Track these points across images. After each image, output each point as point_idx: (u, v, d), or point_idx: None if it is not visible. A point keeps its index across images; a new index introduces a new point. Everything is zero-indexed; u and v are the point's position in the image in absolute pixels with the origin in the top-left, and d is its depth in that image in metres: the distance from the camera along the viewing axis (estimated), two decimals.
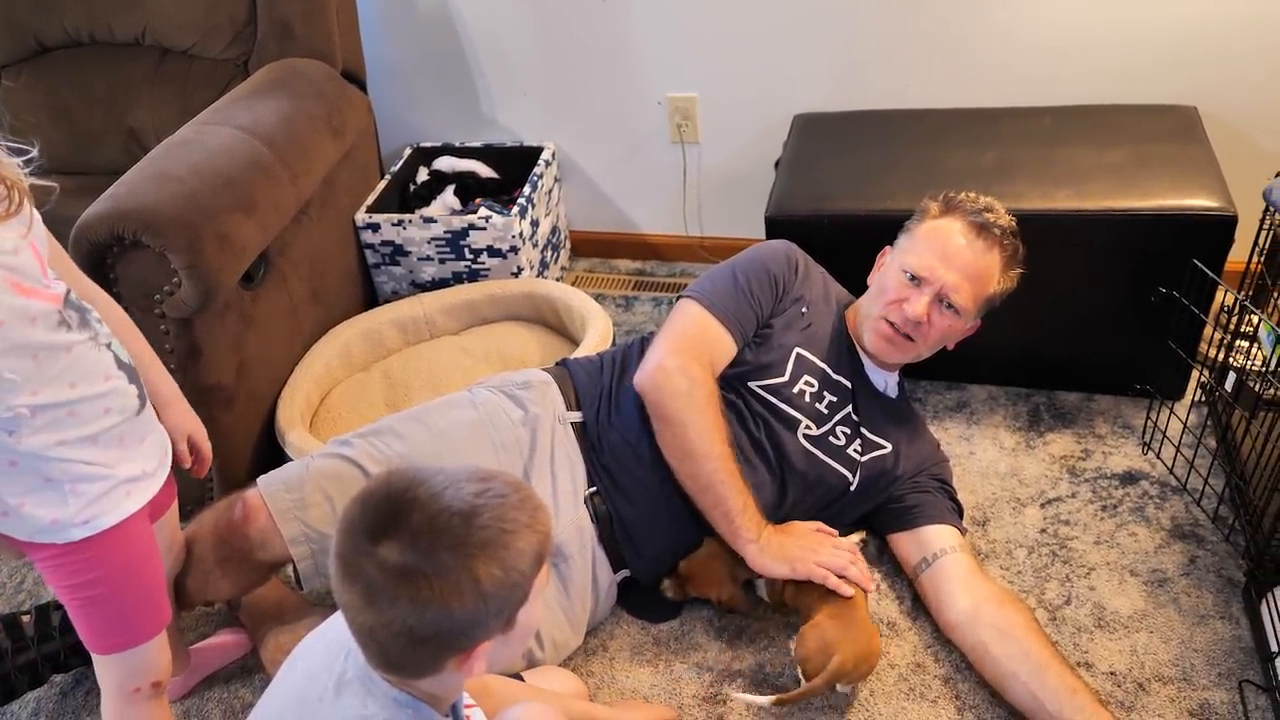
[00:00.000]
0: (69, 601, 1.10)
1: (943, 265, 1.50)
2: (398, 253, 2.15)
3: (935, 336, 1.55)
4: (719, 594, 1.47)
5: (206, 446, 1.27)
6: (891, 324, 1.54)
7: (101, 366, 1.04)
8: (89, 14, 2.07)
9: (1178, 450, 1.73)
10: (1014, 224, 1.56)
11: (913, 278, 1.52)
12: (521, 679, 1.29)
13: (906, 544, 1.54)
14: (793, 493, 1.51)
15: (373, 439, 1.42)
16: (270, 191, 1.71)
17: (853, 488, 1.54)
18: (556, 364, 1.64)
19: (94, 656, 1.15)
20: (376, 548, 0.81)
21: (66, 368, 1.00)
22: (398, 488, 0.85)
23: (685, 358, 1.47)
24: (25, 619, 1.45)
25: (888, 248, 1.63)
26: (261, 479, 1.41)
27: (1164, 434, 1.76)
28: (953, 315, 1.53)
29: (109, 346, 1.06)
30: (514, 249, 2.10)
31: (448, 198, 2.22)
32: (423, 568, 0.81)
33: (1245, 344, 1.69)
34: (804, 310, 1.60)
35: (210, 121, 1.77)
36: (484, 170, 2.31)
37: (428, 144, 2.39)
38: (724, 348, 1.53)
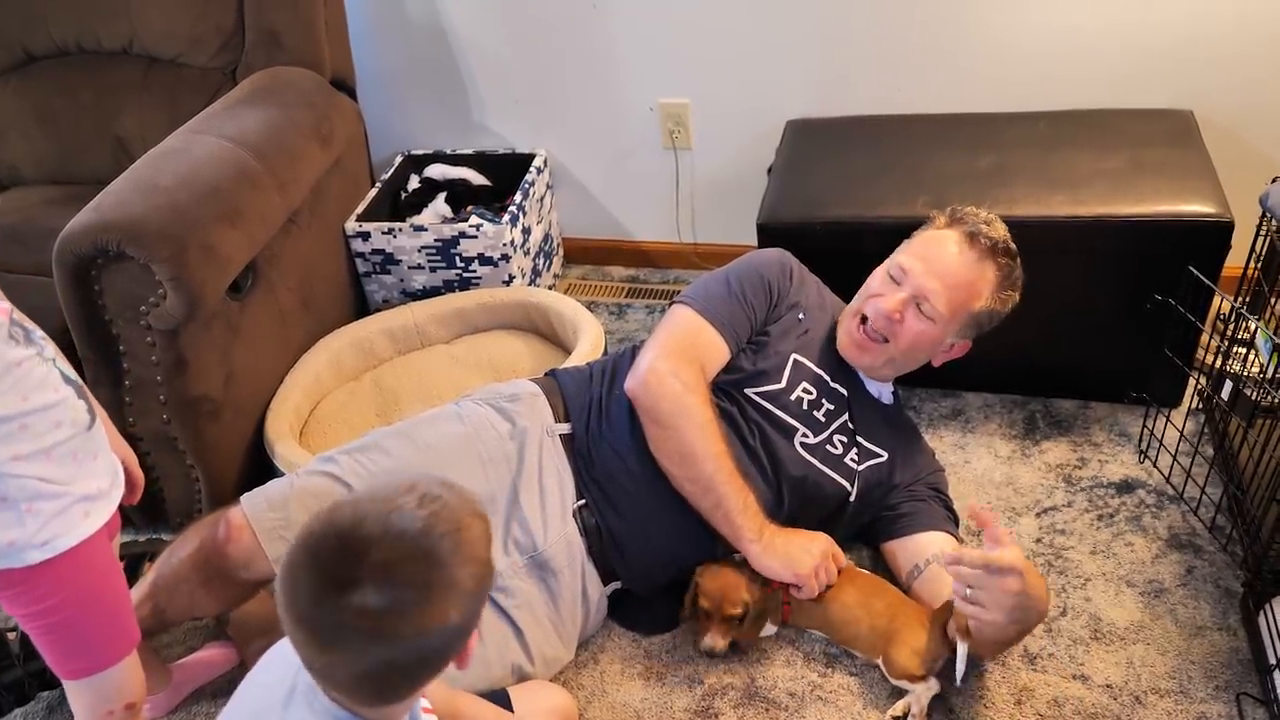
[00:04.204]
0: (32, 629, 1.08)
1: (925, 267, 1.49)
2: (388, 261, 2.14)
3: (907, 340, 1.52)
4: (750, 598, 1.42)
5: (138, 473, 1.25)
6: (864, 320, 1.53)
7: (50, 380, 1.03)
8: (76, 23, 2.06)
9: (1174, 459, 1.72)
10: (1011, 242, 1.52)
11: (895, 277, 1.52)
12: (507, 695, 1.28)
13: (900, 552, 1.53)
14: (790, 501, 1.50)
15: (358, 455, 1.41)
16: (257, 201, 1.70)
17: (852, 498, 1.53)
18: (545, 374, 1.63)
19: (64, 682, 1.13)
20: (348, 598, 0.79)
21: (17, 381, 0.99)
22: (343, 530, 0.82)
23: (677, 361, 1.46)
24: (11, 636, 1.43)
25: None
26: (245, 497, 1.39)
27: (1161, 442, 1.75)
28: (928, 322, 1.50)
29: (54, 362, 1.06)
30: (505, 257, 2.09)
31: (439, 205, 2.21)
32: (404, 599, 0.80)
33: (1242, 351, 1.67)
34: (800, 317, 1.59)
35: (196, 131, 1.76)
36: (475, 177, 2.30)
37: (419, 151, 2.38)
38: (717, 352, 1.52)
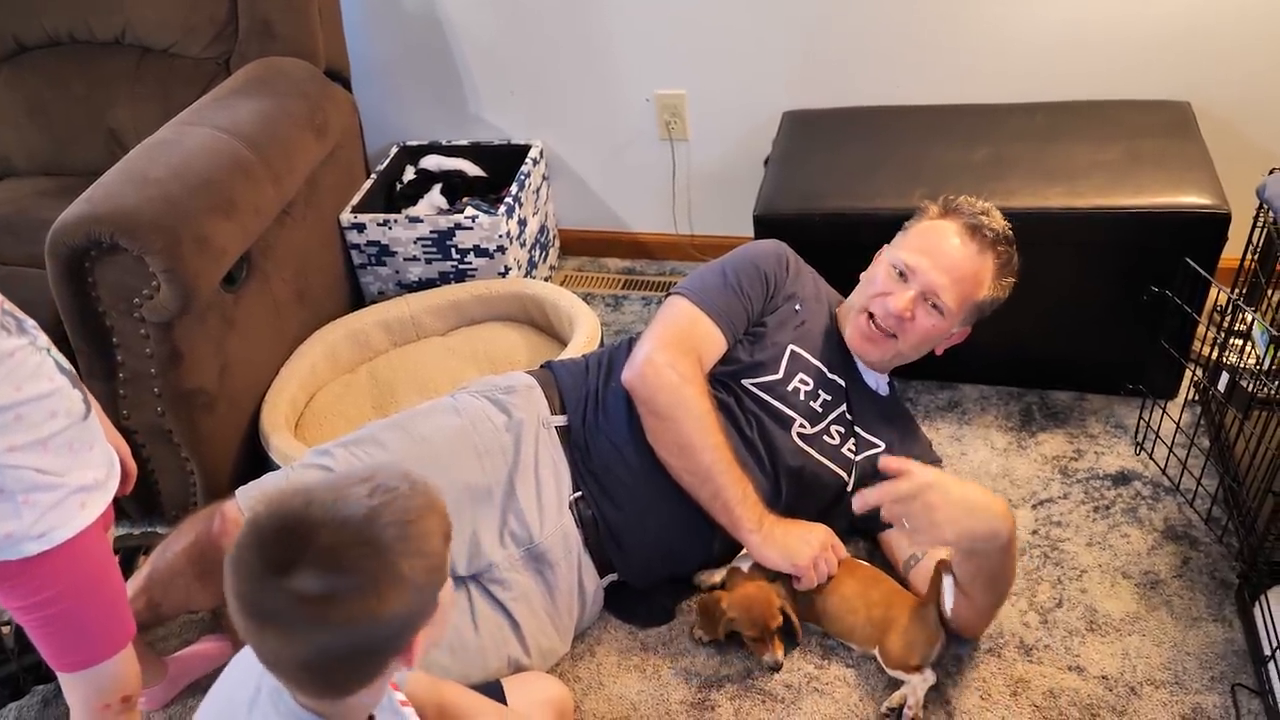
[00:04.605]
0: (27, 622, 1.08)
1: (931, 263, 1.50)
2: (384, 253, 2.13)
3: (917, 335, 1.53)
4: (779, 599, 1.42)
5: (131, 463, 1.24)
6: (872, 316, 1.53)
7: (45, 369, 1.03)
8: (68, 13, 2.04)
9: (1170, 450, 1.72)
10: (1009, 230, 1.54)
11: (901, 273, 1.52)
12: (500, 686, 1.28)
13: (897, 540, 1.53)
14: (787, 492, 1.50)
15: (353, 448, 1.41)
16: (251, 192, 1.69)
17: (849, 488, 1.53)
18: (541, 366, 1.63)
19: (59, 675, 1.13)
20: (287, 581, 0.78)
21: (11, 371, 0.99)
22: (287, 514, 0.81)
23: (673, 352, 1.46)
24: (5, 630, 1.43)
25: (885, 247, 1.61)
26: (240, 490, 1.39)
27: (1157, 434, 1.75)
28: (937, 315, 1.51)
29: (48, 352, 1.05)
30: (501, 249, 2.08)
31: (434, 197, 2.20)
32: (345, 585, 0.79)
33: (1238, 343, 1.67)
34: (797, 308, 1.59)
35: (189, 122, 1.75)
36: (471, 169, 2.29)
37: (414, 142, 2.37)
38: (713, 343, 1.52)
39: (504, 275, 2.12)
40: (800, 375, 1.55)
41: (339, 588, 0.78)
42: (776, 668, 1.44)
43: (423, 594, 0.83)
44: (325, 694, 0.85)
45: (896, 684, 1.39)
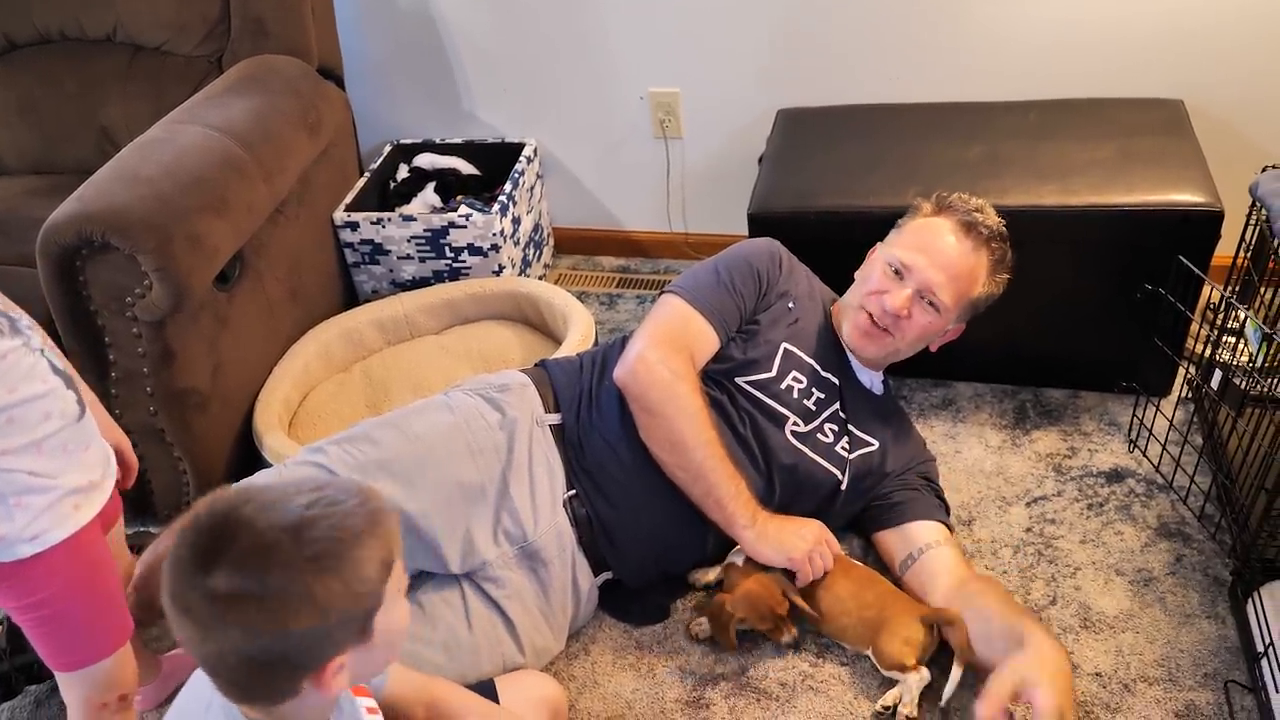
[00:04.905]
0: (24, 622, 1.08)
1: (927, 260, 1.50)
2: (377, 251, 2.13)
3: (914, 333, 1.54)
4: (779, 585, 1.41)
5: (132, 457, 1.24)
6: (870, 315, 1.53)
7: (38, 370, 1.03)
8: (59, 10, 2.04)
9: (1164, 448, 1.72)
10: (1004, 227, 1.55)
11: (896, 271, 1.52)
12: (493, 685, 1.27)
13: (892, 541, 1.53)
14: (781, 490, 1.50)
15: (347, 445, 1.40)
16: (243, 191, 1.68)
17: (843, 486, 1.53)
18: (535, 365, 1.62)
19: (57, 675, 1.13)
20: (205, 578, 0.77)
21: (4, 373, 0.98)
22: (221, 511, 0.80)
23: (666, 349, 1.46)
24: None
25: (879, 245, 1.62)
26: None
27: (1150, 431, 1.75)
28: (934, 312, 1.52)
29: (42, 352, 1.04)
30: (495, 247, 2.08)
31: (428, 195, 2.19)
32: (252, 591, 0.77)
33: (1232, 340, 1.68)
34: (790, 305, 1.59)
35: (181, 120, 1.74)
36: (465, 167, 2.29)
37: (408, 141, 2.37)
38: (706, 340, 1.52)
39: (498, 274, 2.12)
40: (793, 373, 1.55)
41: (246, 592, 0.77)
42: (796, 644, 1.45)
43: (332, 619, 0.80)
44: (247, 700, 0.84)
45: (892, 682, 1.39)
